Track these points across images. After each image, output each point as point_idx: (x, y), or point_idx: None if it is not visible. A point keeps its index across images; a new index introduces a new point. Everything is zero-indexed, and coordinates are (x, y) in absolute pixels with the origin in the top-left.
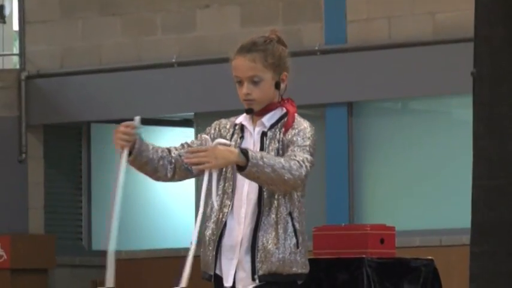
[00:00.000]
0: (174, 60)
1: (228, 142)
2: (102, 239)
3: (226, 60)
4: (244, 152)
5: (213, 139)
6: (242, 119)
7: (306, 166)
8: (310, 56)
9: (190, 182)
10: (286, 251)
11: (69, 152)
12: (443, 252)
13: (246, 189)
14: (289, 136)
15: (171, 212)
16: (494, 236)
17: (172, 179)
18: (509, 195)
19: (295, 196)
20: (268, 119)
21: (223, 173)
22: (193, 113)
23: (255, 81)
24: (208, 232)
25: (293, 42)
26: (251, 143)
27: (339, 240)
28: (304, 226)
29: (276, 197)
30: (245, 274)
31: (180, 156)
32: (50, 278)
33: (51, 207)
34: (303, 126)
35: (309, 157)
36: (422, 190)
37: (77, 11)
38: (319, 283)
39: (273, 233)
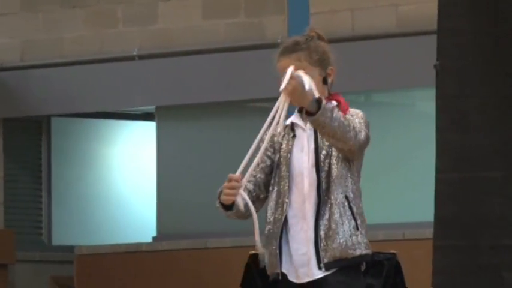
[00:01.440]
0: (135, 53)
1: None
2: (62, 234)
3: (188, 53)
4: (319, 100)
5: (269, 155)
6: (293, 118)
7: (364, 135)
8: (273, 48)
9: (151, 176)
10: (346, 234)
11: (29, 146)
12: (406, 246)
13: (307, 184)
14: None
15: (132, 207)
16: (457, 230)
17: (257, 211)
18: (472, 188)
19: (350, 179)
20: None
21: (277, 172)
22: (154, 107)
23: None
24: (269, 232)
25: (255, 35)
26: (305, 138)
27: None
28: (362, 207)
29: (332, 184)
30: (312, 265)
31: (253, 191)
32: (10, 274)
33: (11, 202)
34: (356, 112)
35: (365, 130)
36: (385, 184)
37: (37, 3)
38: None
39: (332, 219)
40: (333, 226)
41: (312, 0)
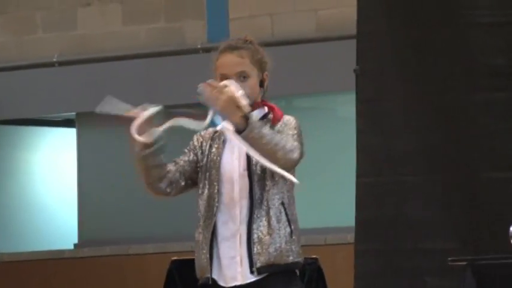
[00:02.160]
0: (55, 59)
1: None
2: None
3: (108, 59)
4: (247, 117)
5: (199, 151)
6: (223, 123)
7: (297, 154)
8: (193, 54)
9: (72, 183)
10: (282, 241)
11: None
12: (328, 251)
13: (238, 187)
14: (277, 128)
15: (54, 213)
16: (379, 234)
17: (169, 194)
18: (393, 192)
19: (285, 186)
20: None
21: (207, 176)
22: (75, 113)
23: (243, 77)
24: (199, 237)
25: (175, 40)
26: (236, 143)
27: None
28: (296, 215)
29: (266, 188)
30: (243, 269)
31: (176, 173)
32: None
33: None
34: (287, 118)
35: (299, 145)
36: (306, 188)
37: None
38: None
39: (267, 224)
40: (270, 231)
41: (231, 6)
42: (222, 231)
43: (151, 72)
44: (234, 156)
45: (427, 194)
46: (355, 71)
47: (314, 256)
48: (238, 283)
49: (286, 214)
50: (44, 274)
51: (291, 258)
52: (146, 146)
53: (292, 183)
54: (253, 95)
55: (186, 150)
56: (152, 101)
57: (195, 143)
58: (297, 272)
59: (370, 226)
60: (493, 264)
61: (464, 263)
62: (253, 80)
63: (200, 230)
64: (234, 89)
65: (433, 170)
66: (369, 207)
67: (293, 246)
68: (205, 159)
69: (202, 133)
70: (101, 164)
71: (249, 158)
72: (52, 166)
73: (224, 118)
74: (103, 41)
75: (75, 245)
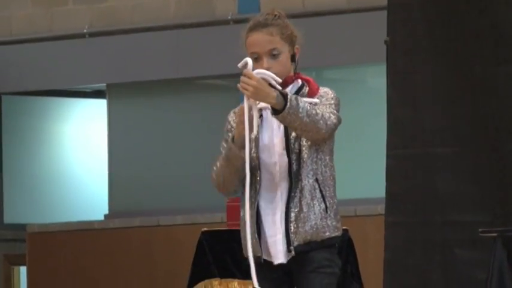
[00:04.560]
0: (85, 30)
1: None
2: (14, 213)
3: (138, 30)
4: (284, 95)
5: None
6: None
7: (335, 119)
8: (224, 25)
9: (103, 154)
10: (317, 217)
11: None
12: (358, 222)
13: (277, 167)
14: (314, 100)
15: (84, 185)
16: (408, 206)
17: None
18: (422, 165)
19: (320, 161)
20: (289, 92)
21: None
22: (105, 84)
23: (274, 55)
24: (245, 217)
25: (206, 12)
26: (274, 120)
27: None
28: (333, 190)
29: (303, 164)
30: (283, 247)
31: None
32: None
33: None
34: (325, 90)
35: (335, 112)
36: (337, 160)
37: None
38: (234, 254)
39: (302, 202)
40: (305, 209)
41: None
42: (265, 210)
43: (180, 43)
44: (274, 135)
45: (456, 167)
46: (385, 42)
47: (344, 227)
48: (280, 261)
49: (321, 190)
50: (74, 245)
51: (327, 234)
52: (243, 145)
53: (330, 157)
54: (286, 70)
55: (229, 137)
56: (182, 73)
57: (232, 125)
58: (336, 245)
59: (399, 198)
60: None
61: (495, 234)
62: (285, 56)
63: (245, 210)
64: (260, 71)
65: (462, 143)
66: (399, 179)
67: (329, 222)
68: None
69: (236, 110)
70: (131, 136)
71: (287, 136)
72: (82, 137)
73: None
74: (133, 13)
75: (105, 216)
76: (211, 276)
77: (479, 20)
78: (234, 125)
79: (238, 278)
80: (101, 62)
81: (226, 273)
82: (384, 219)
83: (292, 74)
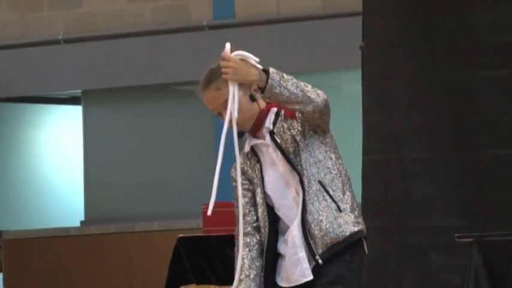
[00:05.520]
0: (60, 37)
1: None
2: None
3: (113, 36)
4: (266, 70)
5: (248, 186)
6: (248, 142)
7: (322, 93)
8: (199, 31)
9: (79, 160)
10: (330, 218)
11: None
12: None
13: (292, 193)
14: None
15: (60, 191)
16: (384, 211)
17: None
18: (399, 170)
19: (321, 164)
20: (268, 123)
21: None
22: (80, 91)
23: None
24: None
25: (181, 18)
26: (272, 151)
27: (229, 217)
28: (343, 187)
29: (304, 172)
30: (307, 264)
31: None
32: None
33: None
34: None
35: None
36: None
37: None
38: (211, 260)
39: (312, 209)
40: (315, 215)
41: None
42: (283, 234)
43: (156, 49)
44: (278, 165)
45: (432, 172)
46: (361, 47)
47: None
48: (308, 278)
49: (327, 191)
50: (51, 252)
51: (347, 232)
52: None
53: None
54: (251, 112)
55: (240, 194)
56: (158, 79)
57: (238, 178)
58: (362, 241)
59: (375, 203)
60: (500, 241)
61: (471, 239)
62: (242, 101)
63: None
64: (238, 53)
65: (438, 148)
66: (375, 184)
67: (347, 218)
68: (253, 182)
69: (235, 165)
70: (106, 142)
71: (286, 156)
72: (58, 144)
73: (246, 83)
74: (108, 19)
75: (81, 222)
76: (187, 282)
77: (455, 24)
78: (239, 179)
79: (214, 284)
80: (76, 68)
81: (202, 279)
82: None
83: (263, 106)
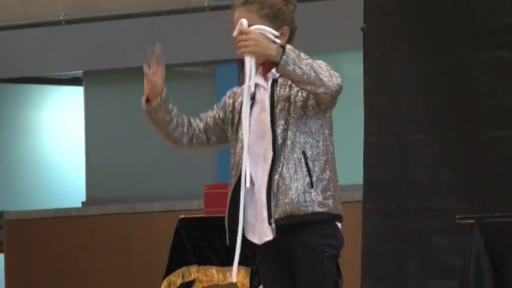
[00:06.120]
0: (61, 17)
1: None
2: None
3: (114, 17)
4: (283, 46)
5: (229, 109)
6: (255, 79)
7: (338, 78)
8: (200, 12)
9: (80, 141)
10: (299, 190)
11: None
12: None
13: (266, 143)
14: None
15: (62, 172)
16: (385, 193)
17: (189, 147)
18: (399, 152)
19: (311, 137)
20: (275, 71)
21: (239, 134)
22: (82, 72)
23: None
24: (232, 194)
25: None
26: (266, 97)
27: None
28: (326, 166)
29: (288, 137)
30: (264, 222)
31: (198, 129)
32: None
33: None
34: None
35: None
36: None
37: None
38: (212, 241)
39: (286, 174)
40: (287, 181)
41: None
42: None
43: (157, 31)
44: (266, 112)
45: (432, 154)
46: (362, 29)
47: None
48: (267, 238)
49: (307, 164)
50: (52, 232)
51: (310, 209)
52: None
53: (325, 134)
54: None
55: (215, 107)
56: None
57: (227, 101)
58: (335, 222)
59: (376, 185)
60: (501, 222)
61: (472, 221)
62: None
63: (232, 187)
64: (256, 26)
65: (438, 129)
66: (376, 166)
67: (313, 196)
68: (237, 116)
69: (235, 90)
70: (108, 122)
71: (272, 109)
72: (59, 124)
73: (263, 59)
74: (109, 0)
75: (82, 203)
76: (189, 263)
77: (456, 8)
78: (230, 101)
79: (216, 265)
80: (78, 49)
81: (204, 261)
82: (362, 206)
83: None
